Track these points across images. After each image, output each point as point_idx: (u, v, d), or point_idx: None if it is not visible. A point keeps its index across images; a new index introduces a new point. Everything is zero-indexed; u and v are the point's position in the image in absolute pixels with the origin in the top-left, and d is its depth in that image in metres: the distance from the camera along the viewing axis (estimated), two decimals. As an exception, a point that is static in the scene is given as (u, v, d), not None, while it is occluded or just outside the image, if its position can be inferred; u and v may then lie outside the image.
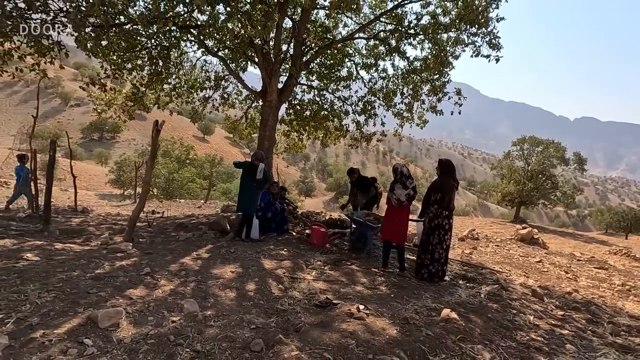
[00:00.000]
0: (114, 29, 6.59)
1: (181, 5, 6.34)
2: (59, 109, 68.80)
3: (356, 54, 9.81)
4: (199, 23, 7.24)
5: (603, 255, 11.82)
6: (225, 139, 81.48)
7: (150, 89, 9.15)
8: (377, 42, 9.09)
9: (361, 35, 8.96)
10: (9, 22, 5.98)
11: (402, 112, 8.95)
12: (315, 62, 9.35)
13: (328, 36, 8.93)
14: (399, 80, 8.80)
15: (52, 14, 6.50)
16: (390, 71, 9.09)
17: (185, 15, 6.95)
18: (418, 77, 8.21)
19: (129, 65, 7.93)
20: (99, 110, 9.53)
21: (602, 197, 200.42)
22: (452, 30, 7.25)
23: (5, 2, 5.62)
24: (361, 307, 3.37)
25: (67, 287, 3.14)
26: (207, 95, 9.57)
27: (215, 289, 3.54)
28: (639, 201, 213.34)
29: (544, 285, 5.45)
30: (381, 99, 9.23)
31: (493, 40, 6.92)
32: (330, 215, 9.84)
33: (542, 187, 27.56)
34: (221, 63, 8.88)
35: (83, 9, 5.91)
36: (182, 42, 8.03)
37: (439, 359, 2.67)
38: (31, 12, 6.16)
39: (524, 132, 34.99)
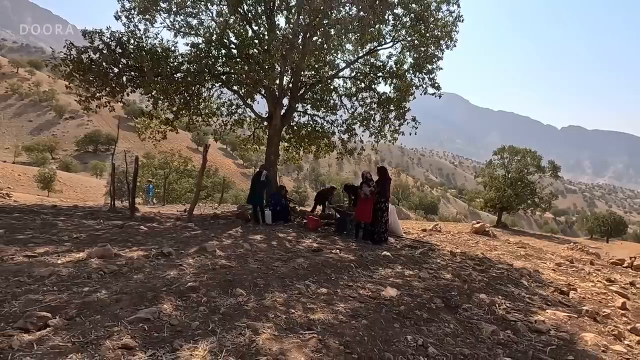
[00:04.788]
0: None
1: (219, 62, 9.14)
2: (53, 121, 69.48)
3: (340, 86, 12.64)
4: (225, 71, 9.97)
5: (562, 250, 14.34)
6: (218, 150, 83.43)
7: (179, 115, 11.80)
8: (357, 76, 11.94)
9: (344, 73, 11.85)
10: (94, 76, 8.67)
11: (375, 132, 11.75)
12: (309, 94, 12.12)
13: (318, 75, 11.75)
14: (373, 109, 11.61)
15: (121, 65, 9.19)
16: (368, 100, 11.84)
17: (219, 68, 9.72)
18: (386, 107, 11.03)
19: (164, 99, 10.55)
20: (140, 132, 12.19)
21: (590, 204, 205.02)
22: (408, 75, 10.14)
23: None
24: (337, 251, 6.06)
25: (176, 240, 5.79)
26: (225, 121, 12.26)
27: (254, 243, 6.21)
28: (625, 207, 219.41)
29: (464, 252, 8.16)
30: (360, 122, 12.02)
31: (435, 84, 9.85)
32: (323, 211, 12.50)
33: (521, 194, 29.91)
34: (236, 96, 11.62)
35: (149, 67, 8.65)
36: (209, 83, 10.79)
37: (373, 267, 5.36)
38: (112, 68, 8.86)
39: (513, 141, 37.68)
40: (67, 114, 71.85)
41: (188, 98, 10.66)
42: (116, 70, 8.77)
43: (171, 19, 10.18)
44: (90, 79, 8.44)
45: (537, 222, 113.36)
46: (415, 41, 10.24)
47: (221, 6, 9.73)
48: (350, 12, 8.55)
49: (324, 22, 9.10)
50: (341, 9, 8.35)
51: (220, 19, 9.31)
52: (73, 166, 50.00)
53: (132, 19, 9.87)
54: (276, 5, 9.61)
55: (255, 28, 10.17)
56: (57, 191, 33.43)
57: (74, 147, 61.32)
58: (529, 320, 3.98)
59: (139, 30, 9.88)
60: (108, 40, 8.65)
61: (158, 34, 10.20)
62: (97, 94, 9.03)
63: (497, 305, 4.32)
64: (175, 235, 6.12)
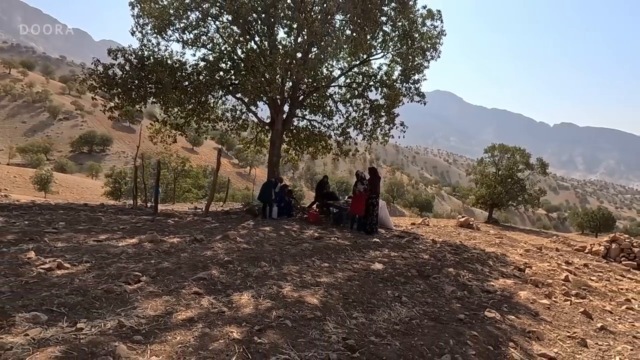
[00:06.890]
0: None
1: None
2: (47, 122, 69.68)
3: (336, 93, 13.82)
4: (234, 83, 11.10)
5: (545, 243, 15.58)
6: (214, 150, 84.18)
7: (188, 120, 12.86)
8: (351, 84, 13.14)
9: (339, 81, 13.03)
10: (117, 88, 9.75)
11: (368, 135, 12.96)
12: (307, 101, 13.29)
13: (315, 84, 12.92)
14: (366, 114, 12.81)
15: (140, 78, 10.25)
16: (361, 106, 13.02)
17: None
18: (377, 113, 12.24)
19: (175, 106, 11.61)
20: (151, 136, 13.26)
21: (582, 200, 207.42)
22: (396, 84, 11.37)
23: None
24: (335, 238, 7.26)
25: (201, 230, 6.95)
26: (230, 127, 13.38)
27: (266, 232, 7.38)
28: (617, 203, 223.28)
29: (444, 240, 9.39)
30: (354, 126, 13.22)
31: (420, 93, 11.13)
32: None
33: (511, 190, 31.10)
34: (240, 102, 12.74)
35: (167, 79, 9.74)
36: (217, 92, 11.92)
37: (365, 250, 6.56)
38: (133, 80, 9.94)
39: (506, 138, 39.11)
40: (61, 114, 71.34)
41: (198, 106, 11.77)
42: (137, 82, 9.86)
43: (180, 34, 11.27)
44: (115, 91, 9.53)
45: (530, 218, 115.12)
46: (403, 53, 11.46)
47: (230, 26, 10.84)
48: (345, 34, 9.73)
49: (322, 37, 10.27)
50: (337, 31, 9.51)
51: (231, 40, 10.44)
52: (68, 167, 50.07)
53: (145, 34, 10.96)
54: (277, 23, 10.76)
55: (257, 40, 11.27)
56: (54, 192, 33.86)
57: (69, 148, 61.04)
58: (483, 285, 5.21)
59: (152, 44, 10.98)
60: (130, 57, 9.74)
61: (168, 46, 11.30)
62: (125, 104, 10.09)
63: (461, 276, 5.54)
64: (199, 227, 7.27)
